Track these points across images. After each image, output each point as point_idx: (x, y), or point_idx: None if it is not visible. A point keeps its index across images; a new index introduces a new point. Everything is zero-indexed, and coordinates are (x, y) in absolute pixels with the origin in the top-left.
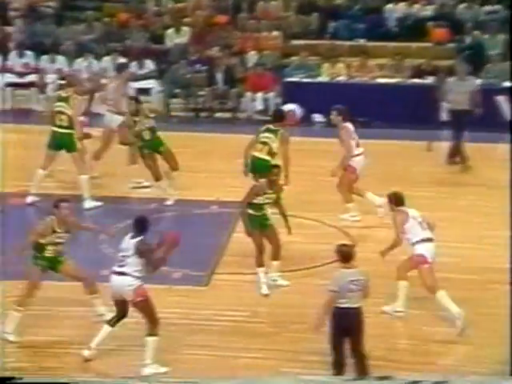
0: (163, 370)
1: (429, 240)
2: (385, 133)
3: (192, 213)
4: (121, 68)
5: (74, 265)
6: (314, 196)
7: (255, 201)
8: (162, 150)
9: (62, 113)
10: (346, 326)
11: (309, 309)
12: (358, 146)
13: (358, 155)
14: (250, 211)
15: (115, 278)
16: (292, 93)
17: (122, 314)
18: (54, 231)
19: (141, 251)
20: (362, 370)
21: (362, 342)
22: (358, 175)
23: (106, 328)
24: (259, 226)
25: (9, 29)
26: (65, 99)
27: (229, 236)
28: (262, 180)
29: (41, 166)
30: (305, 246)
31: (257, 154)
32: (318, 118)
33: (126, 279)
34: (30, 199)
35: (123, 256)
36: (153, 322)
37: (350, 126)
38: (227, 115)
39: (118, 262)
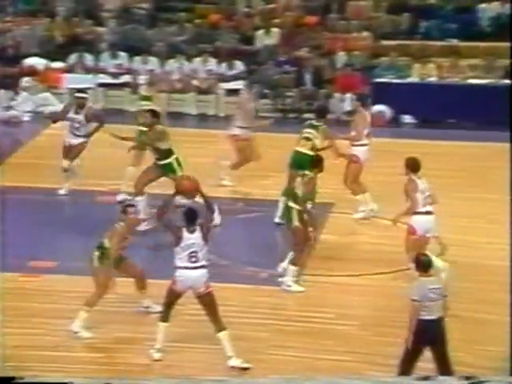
0: (246, 365)
1: (427, 213)
2: (476, 135)
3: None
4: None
5: (131, 262)
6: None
7: (301, 196)
8: None
9: (147, 111)
10: (427, 339)
11: (393, 312)
12: (367, 136)
13: (363, 145)
14: (296, 206)
15: (188, 273)
16: (381, 93)
17: (172, 307)
18: (125, 237)
19: (206, 234)
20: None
21: (446, 352)
22: (363, 165)
23: (162, 325)
24: (301, 222)
25: (102, 30)
26: (148, 98)
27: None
28: (310, 174)
29: (131, 163)
30: (391, 248)
31: (300, 148)
32: (407, 119)
33: (202, 271)
34: (120, 197)
35: (193, 251)
36: (217, 315)
37: (367, 114)
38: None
39: (187, 258)
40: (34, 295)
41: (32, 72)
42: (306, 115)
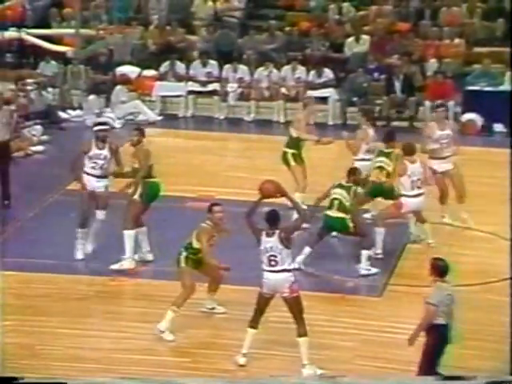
0: (320, 372)
1: (416, 196)
2: None
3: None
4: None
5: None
6: (490, 208)
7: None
8: None
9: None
10: (446, 342)
11: (482, 325)
12: (370, 152)
13: (364, 160)
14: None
15: (270, 275)
16: (473, 102)
17: (262, 313)
18: (212, 236)
19: (285, 238)
20: None
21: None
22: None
23: (251, 331)
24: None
25: (194, 38)
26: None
27: (403, 246)
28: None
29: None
30: (479, 259)
31: (374, 178)
32: (498, 127)
33: (285, 275)
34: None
35: (272, 255)
36: (302, 320)
37: (370, 130)
38: (404, 124)
39: (267, 261)
40: (123, 299)
41: (125, 80)
42: (395, 123)
